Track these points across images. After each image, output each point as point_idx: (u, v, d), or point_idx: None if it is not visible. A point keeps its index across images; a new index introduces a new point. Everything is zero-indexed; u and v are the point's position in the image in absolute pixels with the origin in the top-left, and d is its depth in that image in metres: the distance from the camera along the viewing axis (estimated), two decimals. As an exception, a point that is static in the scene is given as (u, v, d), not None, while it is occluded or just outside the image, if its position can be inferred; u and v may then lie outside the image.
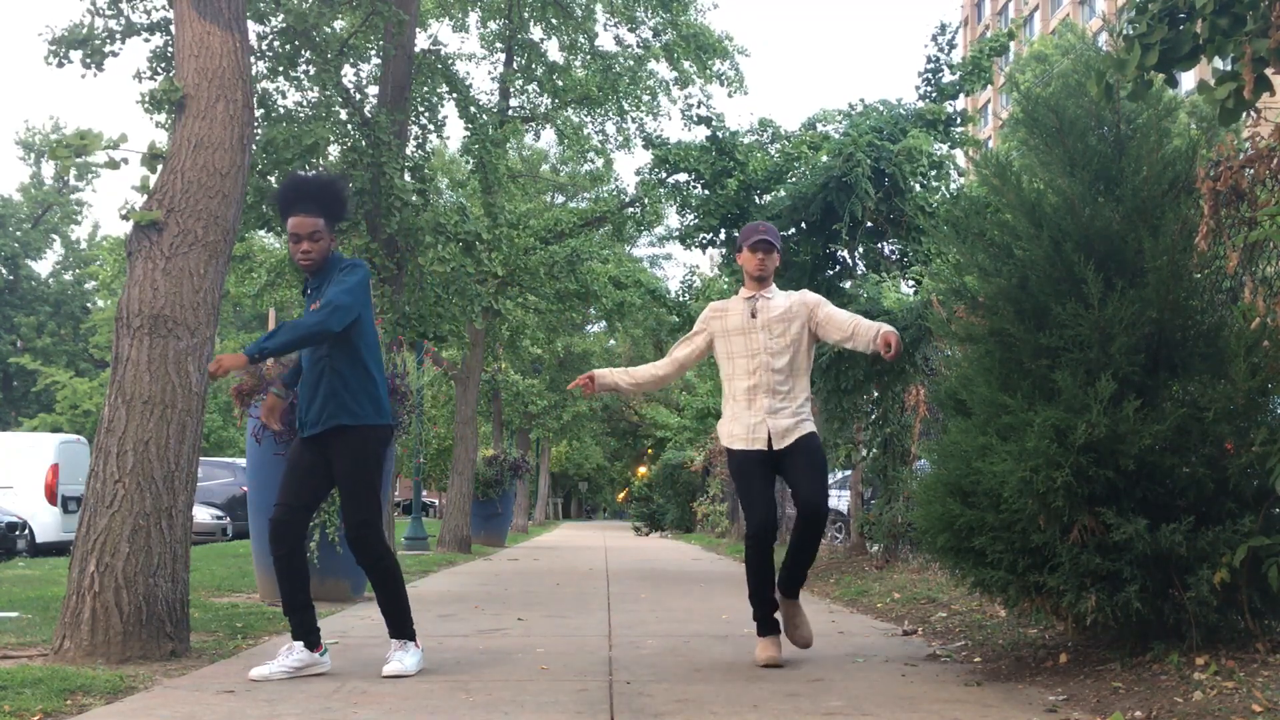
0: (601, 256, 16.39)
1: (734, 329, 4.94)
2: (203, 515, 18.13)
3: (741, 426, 4.87)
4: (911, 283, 10.49)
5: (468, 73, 21.28)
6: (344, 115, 10.21)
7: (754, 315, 4.90)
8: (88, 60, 8.45)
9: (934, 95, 10.92)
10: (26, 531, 15.10)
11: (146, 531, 4.71)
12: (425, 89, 11.52)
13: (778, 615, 4.89)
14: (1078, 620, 4.15)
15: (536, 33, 15.29)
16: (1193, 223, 4.20)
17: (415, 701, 3.87)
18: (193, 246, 4.98)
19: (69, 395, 33.60)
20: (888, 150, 9.94)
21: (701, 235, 11.21)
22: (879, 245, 10.74)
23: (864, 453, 10.35)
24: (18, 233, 38.47)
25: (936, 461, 4.66)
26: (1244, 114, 3.99)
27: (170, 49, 8.81)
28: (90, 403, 32.76)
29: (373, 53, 10.92)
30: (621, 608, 7.35)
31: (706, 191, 11.17)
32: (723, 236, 11.13)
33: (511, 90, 15.62)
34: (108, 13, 8.62)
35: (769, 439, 4.80)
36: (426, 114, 11.40)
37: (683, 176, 11.63)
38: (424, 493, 19.66)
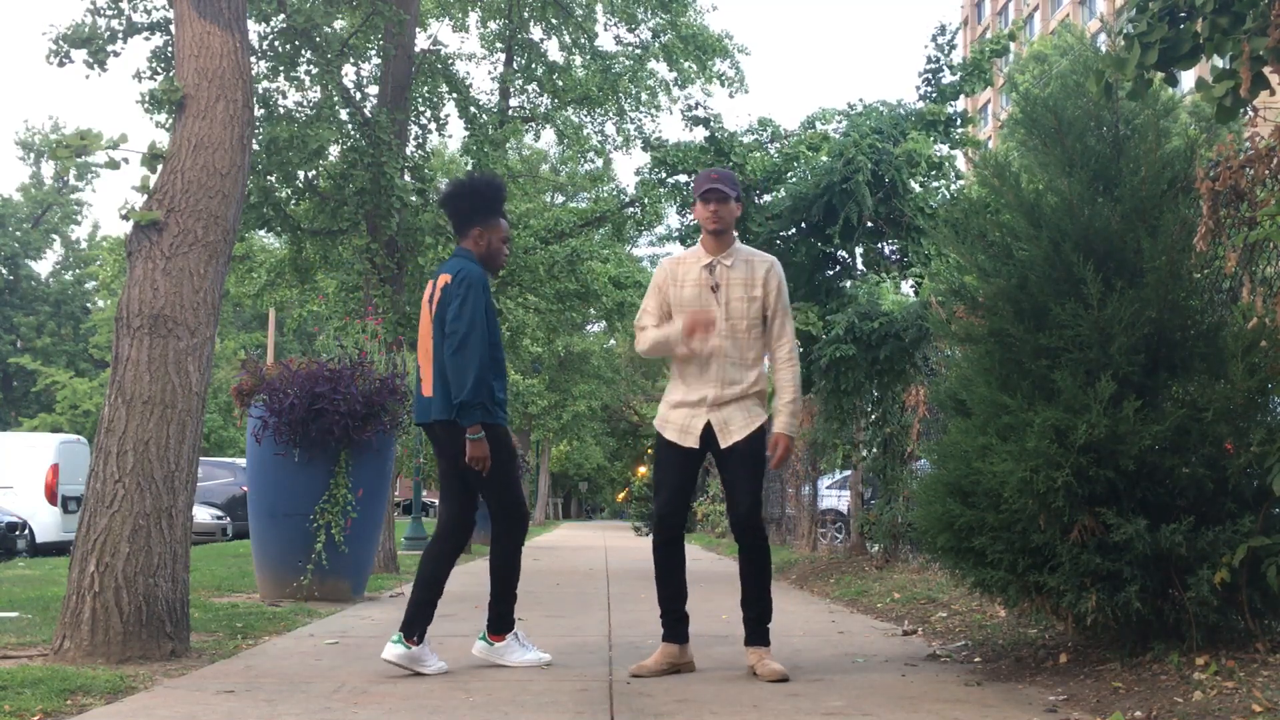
0: (601, 256, 16.36)
1: (688, 300, 4.45)
2: (203, 515, 18.12)
3: (679, 415, 4.48)
4: (911, 283, 10.50)
5: (468, 73, 21.26)
6: (344, 115, 10.22)
7: (715, 289, 4.43)
8: (90, 59, 8.45)
9: (934, 96, 10.92)
10: (26, 531, 15.10)
11: (146, 531, 4.71)
12: (425, 89, 11.53)
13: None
14: (1078, 620, 4.15)
15: (536, 33, 15.28)
16: (1192, 223, 4.20)
17: (415, 701, 3.87)
18: (193, 246, 4.98)
19: (69, 395, 33.60)
20: (888, 153, 9.93)
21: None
22: (879, 246, 10.74)
23: (864, 453, 10.34)
24: (18, 233, 38.50)
25: (936, 461, 4.66)
26: (1241, 112, 3.99)
27: (170, 49, 8.81)
28: (90, 403, 32.76)
29: (373, 53, 10.93)
30: (621, 608, 7.35)
31: (706, 192, 11.16)
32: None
33: (511, 90, 15.61)
34: (108, 12, 8.63)
35: (706, 437, 4.42)
36: (427, 113, 11.40)
37: (682, 178, 11.63)
38: (424, 493, 19.64)
